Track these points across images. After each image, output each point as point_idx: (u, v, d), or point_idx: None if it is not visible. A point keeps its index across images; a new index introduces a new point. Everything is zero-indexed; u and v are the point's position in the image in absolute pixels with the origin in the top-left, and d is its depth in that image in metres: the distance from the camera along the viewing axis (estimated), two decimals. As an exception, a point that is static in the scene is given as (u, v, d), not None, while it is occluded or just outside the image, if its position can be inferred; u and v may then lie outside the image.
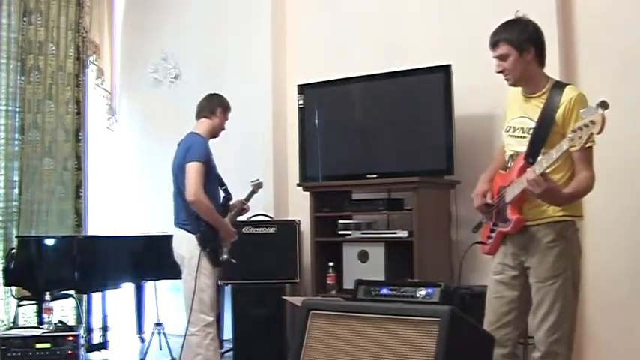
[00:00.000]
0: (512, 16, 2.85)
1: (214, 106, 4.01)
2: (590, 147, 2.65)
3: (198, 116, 4.03)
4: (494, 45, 2.81)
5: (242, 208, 4.11)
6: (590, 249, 3.76)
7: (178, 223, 3.88)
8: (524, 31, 2.78)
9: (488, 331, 2.68)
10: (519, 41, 2.76)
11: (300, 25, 5.47)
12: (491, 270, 2.93)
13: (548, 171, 2.59)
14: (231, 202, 4.06)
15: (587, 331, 4.12)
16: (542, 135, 2.72)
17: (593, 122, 2.33)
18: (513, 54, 2.76)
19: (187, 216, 3.81)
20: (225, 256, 3.89)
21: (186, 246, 3.82)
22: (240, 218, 4.61)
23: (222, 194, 4.03)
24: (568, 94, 2.71)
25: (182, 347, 3.85)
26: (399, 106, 4.60)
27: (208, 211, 3.75)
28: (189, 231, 3.80)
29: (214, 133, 4.02)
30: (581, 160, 2.68)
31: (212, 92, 4.11)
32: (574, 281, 2.75)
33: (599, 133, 2.34)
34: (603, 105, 2.32)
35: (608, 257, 4.03)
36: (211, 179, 3.86)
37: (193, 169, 3.72)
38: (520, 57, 2.77)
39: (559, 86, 2.78)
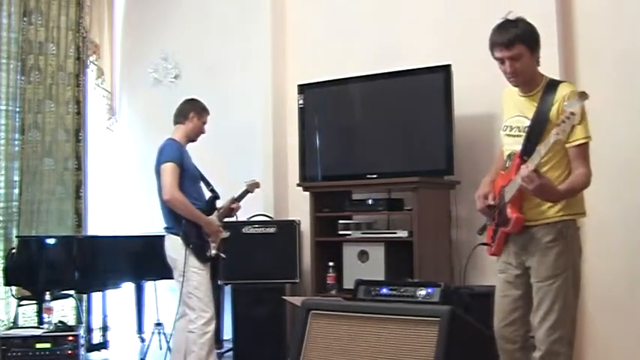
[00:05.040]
0: (510, 17, 2.78)
1: (187, 112, 4.10)
2: (586, 143, 2.67)
3: (175, 122, 4.12)
4: (508, 44, 2.69)
5: (231, 208, 4.14)
6: (591, 248, 3.75)
7: (165, 228, 3.97)
8: (533, 30, 2.76)
9: (488, 331, 2.69)
10: (531, 41, 2.73)
11: (300, 25, 5.46)
12: (496, 269, 2.94)
13: (545, 169, 2.61)
14: (220, 202, 4.10)
15: (587, 330, 4.12)
16: (537, 133, 2.71)
17: (573, 114, 2.38)
18: (527, 54, 2.72)
19: (169, 219, 3.91)
20: (213, 252, 3.95)
21: (174, 248, 3.90)
22: (241, 218, 4.61)
23: (209, 194, 4.08)
24: (562, 91, 2.71)
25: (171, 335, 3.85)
26: (398, 106, 4.59)
27: (185, 207, 3.83)
28: (174, 233, 3.89)
29: (190, 137, 4.11)
30: (576, 157, 2.68)
31: (188, 98, 4.20)
32: (574, 280, 2.75)
33: (579, 123, 2.44)
34: (582, 96, 2.43)
35: (609, 257, 4.02)
36: (188, 181, 3.93)
37: (167, 169, 3.83)
38: (531, 57, 2.75)
39: (553, 84, 2.77)
